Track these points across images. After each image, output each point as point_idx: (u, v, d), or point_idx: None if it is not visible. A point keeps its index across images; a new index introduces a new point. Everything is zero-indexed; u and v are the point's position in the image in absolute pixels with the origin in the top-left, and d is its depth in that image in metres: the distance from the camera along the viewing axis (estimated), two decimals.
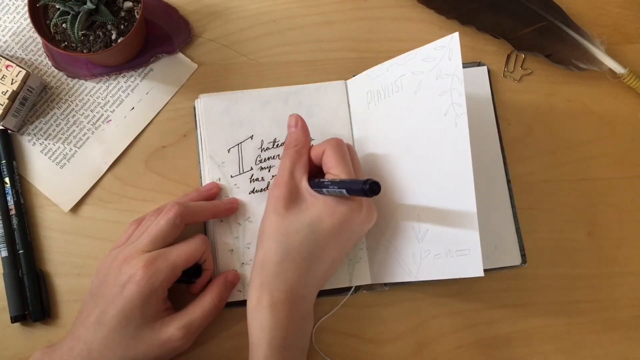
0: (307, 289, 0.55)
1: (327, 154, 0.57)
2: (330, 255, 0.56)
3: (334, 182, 0.54)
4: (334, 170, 0.56)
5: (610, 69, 0.67)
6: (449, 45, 0.56)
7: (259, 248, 0.56)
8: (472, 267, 0.53)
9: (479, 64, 0.68)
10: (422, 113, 0.58)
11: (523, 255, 0.62)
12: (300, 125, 0.59)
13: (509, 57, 0.69)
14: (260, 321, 0.53)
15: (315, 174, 0.58)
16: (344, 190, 0.53)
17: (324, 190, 0.55)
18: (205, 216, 0.59)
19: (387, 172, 0.60)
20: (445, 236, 0.56)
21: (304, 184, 0.56)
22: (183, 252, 0.55)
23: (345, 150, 0.58)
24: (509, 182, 0.64)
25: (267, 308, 0.53)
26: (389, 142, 0.61)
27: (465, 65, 0.67)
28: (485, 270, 0.53)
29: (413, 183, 0.59)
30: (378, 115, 0.62)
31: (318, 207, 0.55)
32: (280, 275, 0.54)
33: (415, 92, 0.59)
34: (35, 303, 0.60)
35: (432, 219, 0.57)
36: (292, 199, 0.55)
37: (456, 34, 0.55)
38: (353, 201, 0.55)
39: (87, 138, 0.64)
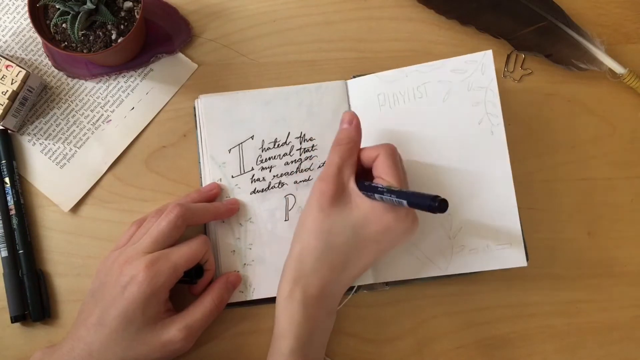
0: (338, 288, 0.56)
1: (381, 159, 0.56)
2: (366, 259, 0.56)
3: (391, 191, 0.53)
4: (386, 177, 0.55)
5: (610, 69, 0.67)
6: (482, 61, 0.61)
7: (297, 241, 0.56)
8: (515, 258, 0.60)
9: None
10: (452, 120, 0.62)
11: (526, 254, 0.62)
12: (355, 124, 0.58)
13: (509, 57, 0.69)
14: (290, 314, 0.53)
15: (360, 175, 0.58)
16: (404, 202, 0.52)
17: (376, 195, 0.54)
18: (206, 218, 0.59)
19: (411, 172, 0.61)
20: (483, 232, 0.60)
21: (352, 183, 0.56)
22: (184, 253, 0.55)
23: (398, 158, 0.57)
24: None
25: (299, 302, 0.53)
26: (411, 145, 0.62)
27: None
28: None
29: (441, 183, 0.61)
30: (394, 118, 0.63)
31: (365, 210, 0.54)
32: (317, 271, 0.54)
33: (444, 99, 0.62)
34: (35, 303, 0.60)
35: (468, 217, 0.61)
36: (338, 196, 0.55)
37: (489, 52, 0.61)
38: (400, 210, 0.54)
39: (87, 138, 0.64)
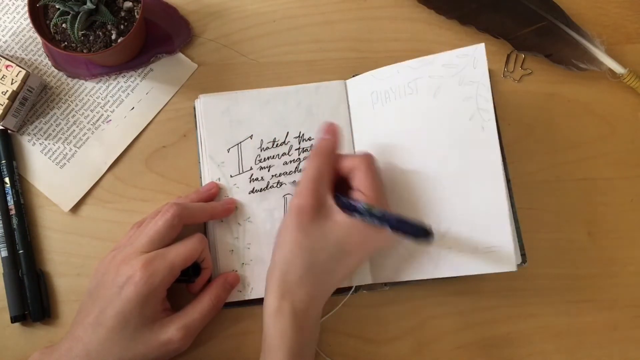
0: (323, 299, 0.56)
1: (361, 173, 0.56)
2: (350, 269, 0.57)
3: (373, 215, 0.53)
4: (365, 190, 0.55)
5: (610, 69, 0.67)
6: (474, 55, 0.59)
7: (279, 256, 0.55)
8: (504, 262, 0.57)
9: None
10: (443, 116, 0.60)
11: (523, 255, 0.62)
12: (336, 136, 0.58)
13: (509, 57, 0.69)
14: (281, 328, 0.53)
15: (335, 182, 0.58)
16: (386, 225, 0.53)
17: (357, 215, 0.54)
18: (202, 217, 0.59)
19: (401, 171, 0.61)
20: (472, 233, 0.58)
21: (330, 199, 0.55)
22: (181, 252, 0.55)
23: (377, 171, 0.57)
24: (508, 182, 0.64)
25: (289, 316, 0.53)
26: (402, 143, 0.61)
27: None
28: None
29: (431, 182, 0.59)
30: (386, 116, 0.62)
31: (346, 227, 0.54)
32: (303, 287, 0.54)
33: (435, 95, 0.60)
34: (35, 303, 0.60)
35: (456, 217, 0.58)
36: (317, 212, 0.54)
37: (482, 45, 0.59)
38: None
39: (87, 138, 0.64)
